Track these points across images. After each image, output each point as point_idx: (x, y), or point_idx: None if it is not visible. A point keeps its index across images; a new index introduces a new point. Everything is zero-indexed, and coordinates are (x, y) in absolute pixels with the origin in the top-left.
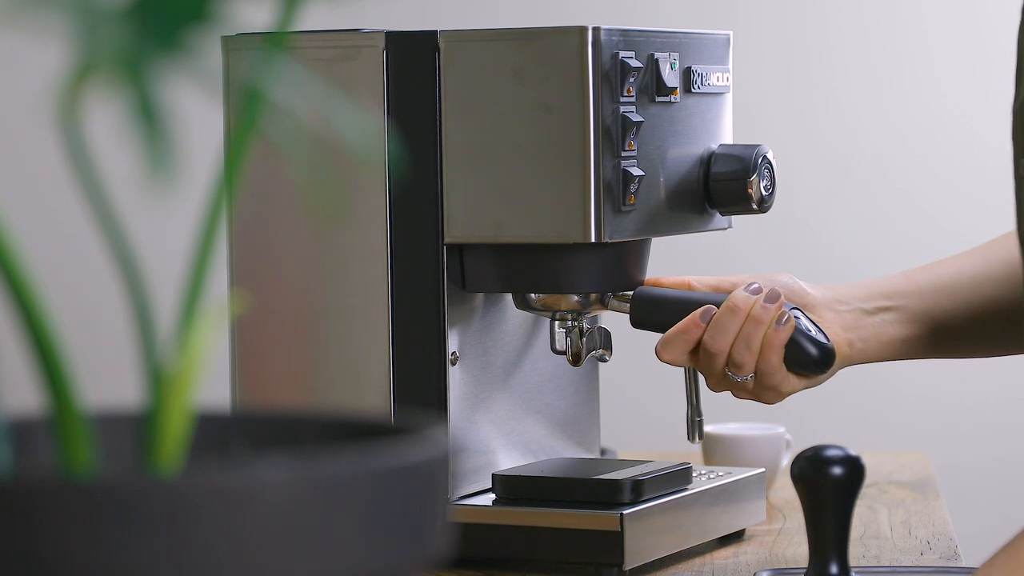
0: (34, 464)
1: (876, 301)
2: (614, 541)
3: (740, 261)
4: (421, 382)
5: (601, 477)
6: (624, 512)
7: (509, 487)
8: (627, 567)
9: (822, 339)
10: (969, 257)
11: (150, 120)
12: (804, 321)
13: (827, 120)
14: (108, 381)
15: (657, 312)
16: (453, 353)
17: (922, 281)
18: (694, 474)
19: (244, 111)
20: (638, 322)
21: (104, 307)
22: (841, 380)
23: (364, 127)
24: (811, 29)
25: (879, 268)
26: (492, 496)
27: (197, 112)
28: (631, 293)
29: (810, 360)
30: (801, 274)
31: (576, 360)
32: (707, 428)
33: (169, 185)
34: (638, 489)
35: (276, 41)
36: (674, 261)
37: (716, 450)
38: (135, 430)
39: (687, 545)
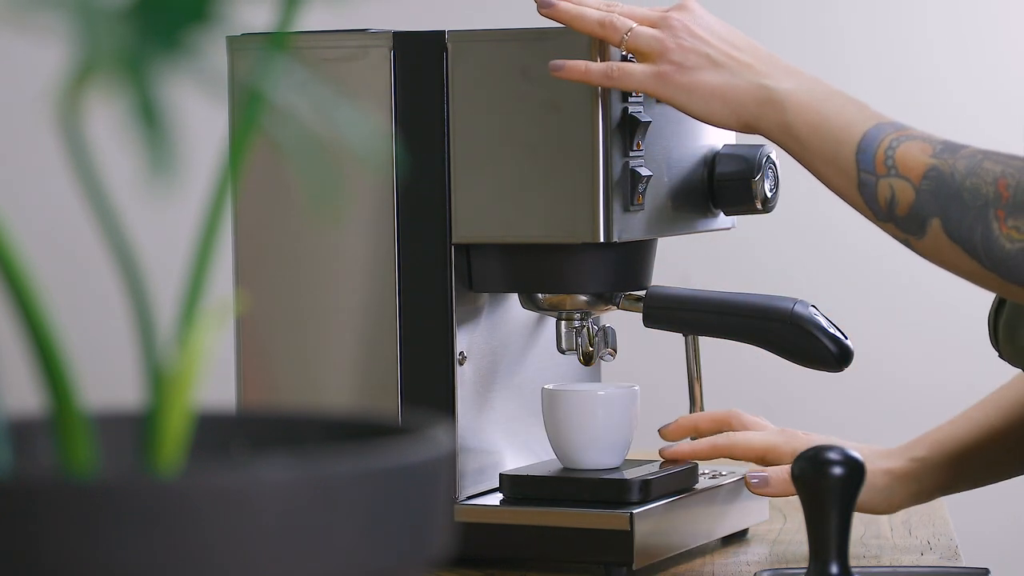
0: (34, 464)
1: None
2: (623, 540)
3: (743, 262)
4: (429, 382)
5: (609, 477)
6: (634, 511)
7: (516, 487)
8: (636, 566)
9: (839, 335)
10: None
11: (151, 120)
12: (821, 318)
13: None
14: (108, 381)
15: (671, 312)
16: (461, 353)
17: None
18: (699, 473)
19: (245, 111)
20: (651, 322)
21: (104, 307)
22: (841, 380)
23: (366, 127)
24: (814, 29)
25: (882, 268)
26: (499, 496)
27: (201, 112)
28: (643, 293)
29: (829, 356)
30: (803, 275)
31: (587, 360)
32: (550, 386)
33: (170, 185)
34: (646, 489)
35: (278, 41)
36: (677, 262)
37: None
38: (135, 430)
39: (693, 544)
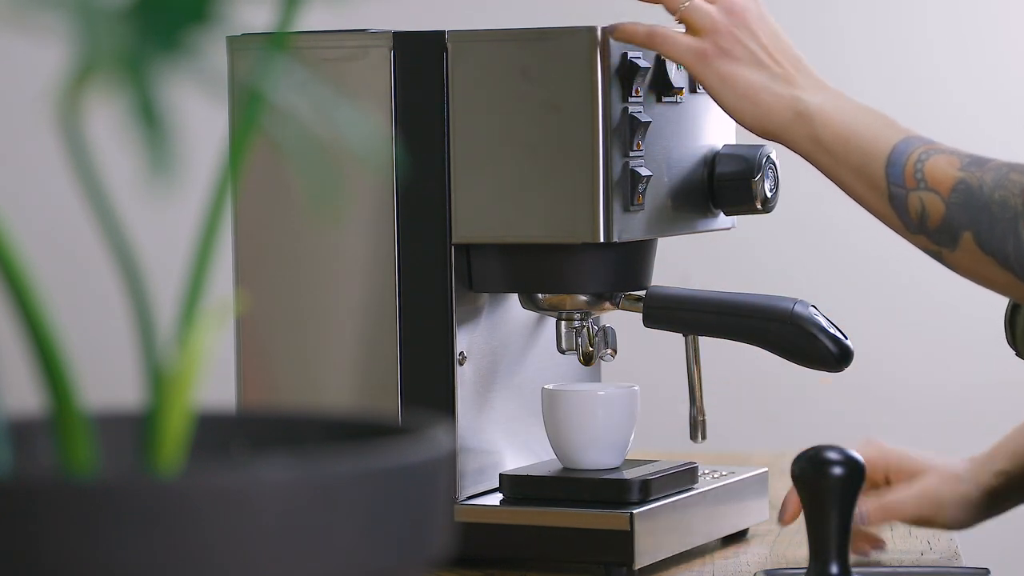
0: (34, 464)
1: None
2: (624, 540)
3: (743, 262)
4: (429, 382)
5: (609, 477)
6: (634, 511)
7: (516, 487)
8: (637, 566)
9: (839, 335)
10: None
11: (151, 120)
12: (821, 318)
13: None
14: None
15: (671, 312)
16: (461, 353)
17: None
18: (699, 473)
19: (245, 111)
20: (651, 322)
21: (104, 307)
22: (841, 380)
23: (366, 127)
24: (814, 29)
25: (882, 268)
26: (499, 496)
27: (201, 112)
28: (643, 293)
29: (829, 356)
30: (803, 275)
31: (588, 360)
32: (550, 386)
33: (170, 185)
34: (646, 489)
35: (278, 41)
36: (677, 262)
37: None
38: (135, 430)
39: (693, 544)
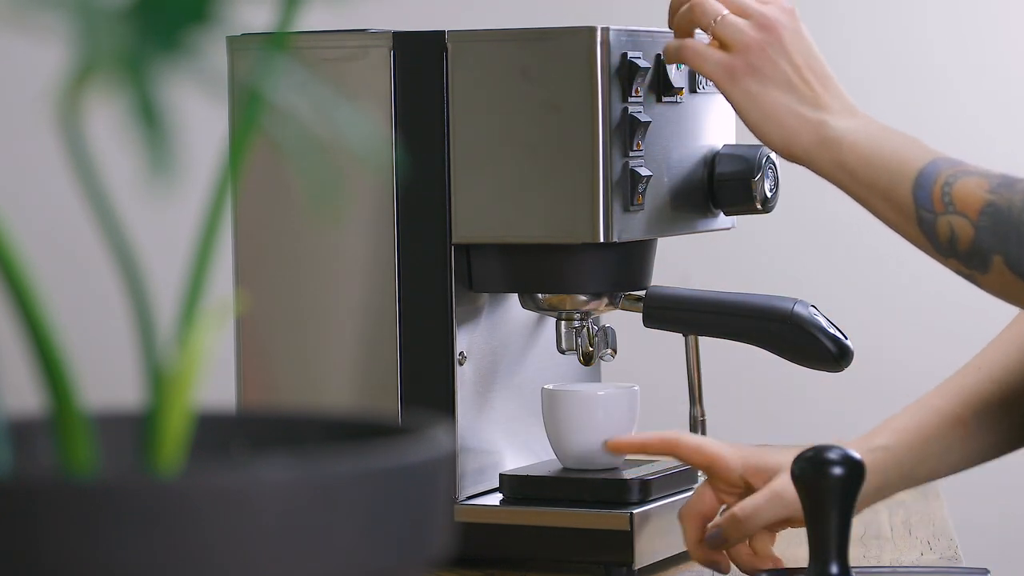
0: (34, 464)
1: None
2: (624, 540)
3: (743, 262)
4: (429, 382)
5: (609, 477)
6: (634, 511)
7: (516, 487)
8: (637, 566)
9: (839, 335)
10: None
11: (151, 120)
12: (821, 318)
13: None
14: (108, 381)
15: (671, 312)
16: (461, 353)
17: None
18: (699, 473)
19: (245, 111)
20: (651, 322)
21: (104, 307)
22: (841, 380)
23: (366, 127)
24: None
25: (882, 268)
26: (499, 496)
27: (201, 112)
28: (643, 293)
29: (829, 356)
30: (803, 274)
31: (587, 360)
32: (550, 386)
33: (170, 185)
34: (646, 489)
35: (278, 41)
36: (677, 262)
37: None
38: (135, 430)
39: None
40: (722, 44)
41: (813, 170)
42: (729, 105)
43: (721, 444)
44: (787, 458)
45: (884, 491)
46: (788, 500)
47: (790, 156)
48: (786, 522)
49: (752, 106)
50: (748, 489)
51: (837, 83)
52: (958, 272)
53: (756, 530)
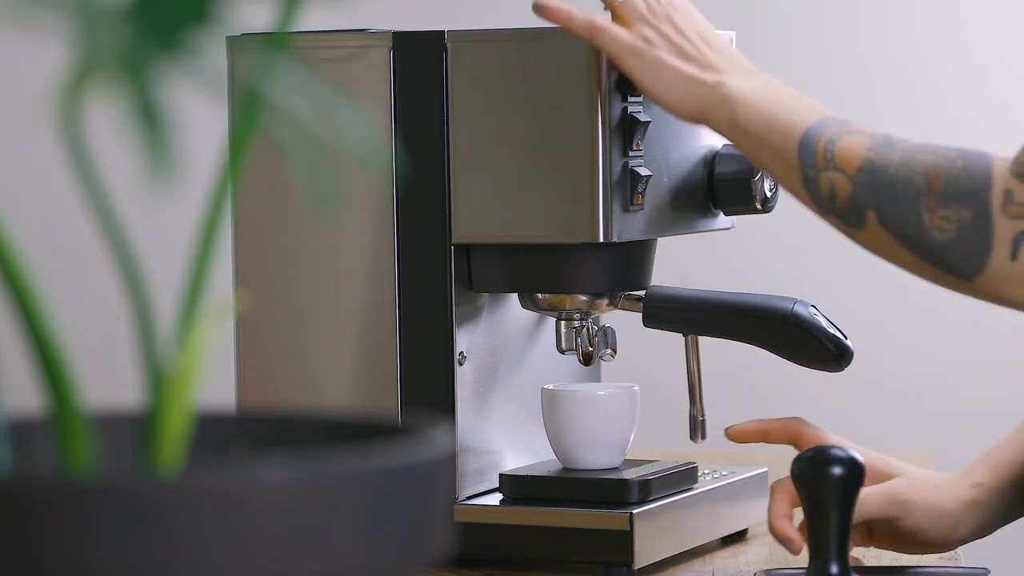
0: (34, 464)
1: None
2: (624, 540)
3: (743, 262)
4: (429, 382)
5: (609, 477)
6: (634, 511)
7: (516, 487)
8: (636, 566)
9: (839, 335)
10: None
11: (151, 120)
12: (820, 318)
13: None
14: (108, 381)
15: (671, 312)
16: (461, 353)
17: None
18: (699, 473)
19: (245, 111)
20: (651, 322)
21: (104, 307)
22: (841, 380)
23: (366, 127)
24: (814, 29)
25: (881, 268)
26: (499, 496)
27: (201, 112)
28: (643, 293)
29: (829, 356)
30: (803, 274)
31: (587, 360)
32: (550, 386)
33: (169, 186)
34: (646, 489)
35: (278, 41)
36: (677, 262)
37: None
38: (135, 430)
39: (693, 544)
40: (619, 20)
41: (712, 128)
42: (629, 77)
43: (841, 439)
44: (904, 467)
45: (981, 530)
46: (899, 500)
47: (689, 117)
48: (889, 524)
49: (657, 78)
50: None
51: (732, 49)
52: (838, 229)
53: (861, 518)
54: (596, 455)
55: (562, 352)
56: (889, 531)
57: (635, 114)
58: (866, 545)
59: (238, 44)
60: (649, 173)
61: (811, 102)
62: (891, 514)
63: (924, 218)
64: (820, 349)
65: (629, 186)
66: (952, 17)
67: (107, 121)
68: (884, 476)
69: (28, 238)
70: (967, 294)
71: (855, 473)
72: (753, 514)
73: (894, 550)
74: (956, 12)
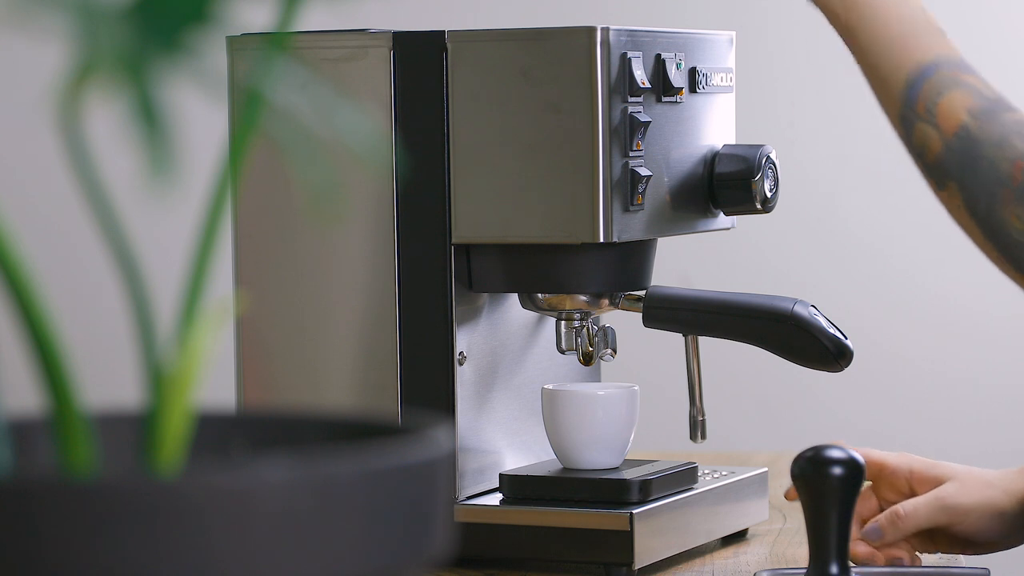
0: (34, 464)
1: None
2: (624, 540)
3: (743, 262)
4: (429, 382)
5: (609, 477)
6: (634, 511)
7: (516, 487)
8: (636, 566)
9: (839, 335)
10: None
11: (151, 121)
12: (820, 318)
13: (831, 120)
14: (108, 381)
15: (671, 312)
16: (461, 353)
17: None
18: (699, 473)
19: (245, 111)
20: (651, 322)
21: (104, 307)
22: (841, 380)
23: (366, 127)
24: (814, 29)
25: (882, 267)
26: (499, 496)
27: (201, 112)
28: (643, 293)
29: (829, 356)
30: (803, 274)
31: (587, 360)
32: (550, 386)
33: (169, 186)
34: (646, 489)
35: (278, 41)
36: (677, 262)
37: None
38: (135, 430)
39: (693, 544)
40: None
41: (828, 21)
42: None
43: (886, 452)
44: (956, 470)
45: None
46: (950, 507)
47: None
48: (945, 530)
49: None
50: (913, 496)
51: None
52: (920, 173)
53: (914, 530)
54: (596, 455)
55: (562, 352)
56: (948, 536)
57: (635, 114)
58: (931, 552)
59: (238, 44)
60: (649, 173)
61: (937, 27)
62: (942, 521)
63: (996, 209)
64: (820, 349)
65: (629, 186)
66: (952, 17)
67: (107, 121)
68: (936, 482)
69: (28, 238)
70: None
71: (855, 473)
72: (753, 514)
73: (963, 554)
74: (956, 12)
